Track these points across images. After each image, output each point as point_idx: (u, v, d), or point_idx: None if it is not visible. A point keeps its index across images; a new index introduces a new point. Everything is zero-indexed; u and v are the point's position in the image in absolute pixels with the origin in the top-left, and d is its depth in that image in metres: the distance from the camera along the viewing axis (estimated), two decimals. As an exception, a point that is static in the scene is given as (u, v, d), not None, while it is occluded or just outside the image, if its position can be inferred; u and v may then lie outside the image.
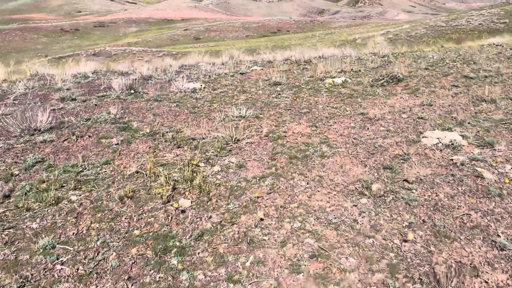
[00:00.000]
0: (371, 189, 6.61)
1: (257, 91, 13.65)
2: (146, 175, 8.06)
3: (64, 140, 9.62)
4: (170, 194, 7.32)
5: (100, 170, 8.28)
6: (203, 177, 8.15)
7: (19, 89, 13.58)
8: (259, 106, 12.17)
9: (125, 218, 6.57)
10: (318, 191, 7.35)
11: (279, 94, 13.26)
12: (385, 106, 11.58)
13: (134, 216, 6.64)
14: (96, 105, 12.12)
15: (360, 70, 16.15)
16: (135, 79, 14.84)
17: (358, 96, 12.64)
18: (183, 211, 6.93)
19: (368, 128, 10.16)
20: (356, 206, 6.33)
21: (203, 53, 24.88)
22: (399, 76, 13.93)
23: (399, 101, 11.91)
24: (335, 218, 5.90)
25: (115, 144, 9.58)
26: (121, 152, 9.25)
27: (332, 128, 10.31)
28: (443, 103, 11.29)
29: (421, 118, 10.28)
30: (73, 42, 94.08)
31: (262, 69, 17.08)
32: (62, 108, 11.79)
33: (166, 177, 7.59)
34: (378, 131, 9.92)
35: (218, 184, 7.86)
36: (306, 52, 20.30)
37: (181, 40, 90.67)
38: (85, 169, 8.28)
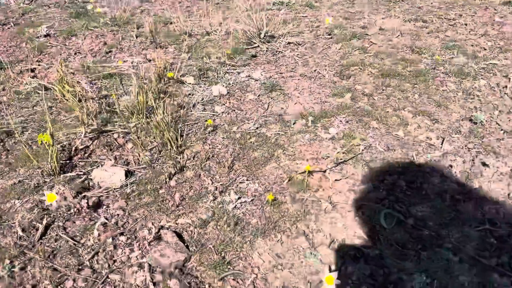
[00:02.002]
0: None
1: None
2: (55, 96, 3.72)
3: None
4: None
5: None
6: (178, 107, 3.66)
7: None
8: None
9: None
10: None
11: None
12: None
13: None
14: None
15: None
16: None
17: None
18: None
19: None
20: None
21: None
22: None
23: None
24: None
25: (44, 36, 5.14)
26: (43, 50, 4.82)
27: (458, 23, 5.17)
28: None
29: None
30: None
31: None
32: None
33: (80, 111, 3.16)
34: None
35: (203, 140, 3.35)
36: None
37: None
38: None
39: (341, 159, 2.97)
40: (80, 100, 3.62)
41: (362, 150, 3.06)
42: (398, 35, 4.92)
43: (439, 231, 2.38)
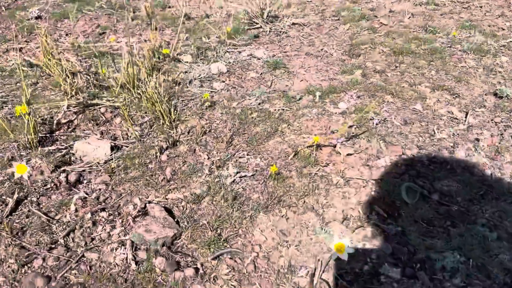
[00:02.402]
0: None
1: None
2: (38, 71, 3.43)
3: None
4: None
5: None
6: (173, 83, 3.38)
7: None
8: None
9: None
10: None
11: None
12: None
13: None
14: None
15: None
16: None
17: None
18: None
19: None
20: None
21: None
22: None
23: None
24: None
25: (35, 18, 4.88)
26: (33, 31, 4.55)
27: (473, 6, 4.87)
28: None
29: None
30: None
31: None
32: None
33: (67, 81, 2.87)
34: None
35: (201, 115, 3.05)
36: None
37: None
38: None
39: (353, 133, 2.66)
40: (67, 76, 3.32)
41: (376, 124, 2.74)
42: (410, 17, 4.63)
43: (470, 207, 2.05)
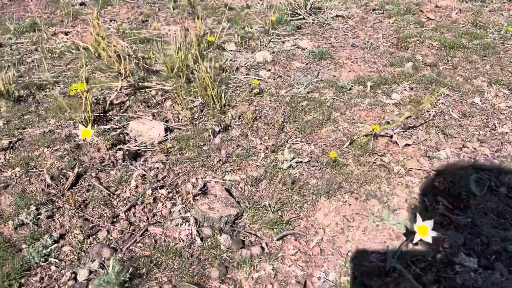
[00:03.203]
0: None
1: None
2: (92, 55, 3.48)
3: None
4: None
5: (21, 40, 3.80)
6: (220, 69, 3.38)
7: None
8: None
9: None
10: None
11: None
12: None
13: None
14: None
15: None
16: None
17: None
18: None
19: None
20: None
21: None
22: None
23: None
24: None
25: (79, 4, 4.97)
26: (78, 17, 4.64)
27: (524, 5, 4.70)
28: None
29: None
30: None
31: None
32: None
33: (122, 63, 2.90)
34: None
35: (249, 102, 3.02)
36: None
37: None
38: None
39: (409, 124, 2.59)
40: (119, 58, 3.36)
41: (433, 116, 2.66)
42: (457, 12, 4.51)
43: (541, 202, 1.96)
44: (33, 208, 1.95)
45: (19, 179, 2.19)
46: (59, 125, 2.63)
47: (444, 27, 4.12)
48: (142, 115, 2.80)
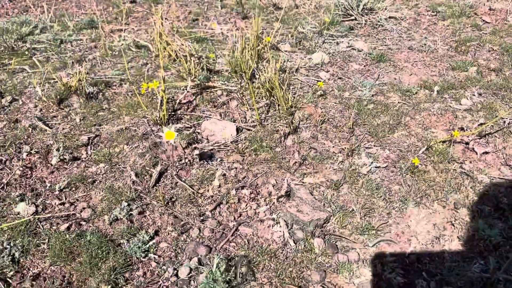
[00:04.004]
0: None
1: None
2: (149, 53, 3.53)
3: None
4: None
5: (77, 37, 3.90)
6: (280, 70, 3.40)
7: None
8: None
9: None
10: None
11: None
12: None
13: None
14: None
15: None
16: None
17: None
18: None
19: None
20: None
21: None
22: None
23: None
24: None
25: (130, 2, 5.07)
26: (130, 14, 4.73)
27: None
28: None
29: None
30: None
31: None
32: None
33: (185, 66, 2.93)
34: None
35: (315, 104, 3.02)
36: None
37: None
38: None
39: (485, 131, 2.55)
40: (184, 58, 3.41)
41: (509, 123, 2.61)
42: (515, 15, 4.39)
43: None
44: (125, 204, 2.01)
45: (104, 175, 2.26)
46: (134, 123, 2.70)
47: (502, 31, 4.02)
48: (210, 115, 2.84)
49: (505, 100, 2.87)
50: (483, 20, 4.34)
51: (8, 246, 1.76)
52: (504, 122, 2.63)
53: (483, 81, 3.13)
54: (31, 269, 1.72)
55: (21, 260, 1.75)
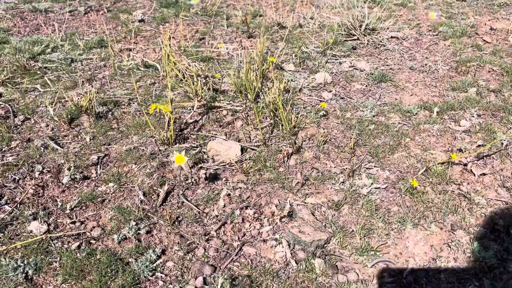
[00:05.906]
0: None
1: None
2: (155, 72, 3.66)
3: (70, 12, 5.54)
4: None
5: (81, 56, 4.04)
6: (283, 90, 3.49)
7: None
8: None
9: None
10: None
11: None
12: None
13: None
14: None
15: None
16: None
17: None
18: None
19: None
20: None
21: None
22: None
23: None
24: None
25: (138, 21, 5.23)
26: (139, 33, 4.88)
27: None
28: None
29: None
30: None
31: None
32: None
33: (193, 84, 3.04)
34: None
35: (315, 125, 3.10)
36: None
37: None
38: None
39: (482, 153, 2.61)
40: (190, 78, 3.52)
41: (506, 145, 2.68)
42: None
43: None
44: (133, 223, 2.10)
45: (113, 194, 2.35)
46: (142, 143, 2.80)
47: (503, 51, 4.11)
48: (216, 134, 2.93)
49: (503, 121, 2.94)
50: (484, 40, 4.43)
51: (21, 264, 1.84)
52: (502, 144, 2.69)
53: (482, 102, 3.21)
54: (44, 286, 1.80)
55: (34, 277, 1.83)
